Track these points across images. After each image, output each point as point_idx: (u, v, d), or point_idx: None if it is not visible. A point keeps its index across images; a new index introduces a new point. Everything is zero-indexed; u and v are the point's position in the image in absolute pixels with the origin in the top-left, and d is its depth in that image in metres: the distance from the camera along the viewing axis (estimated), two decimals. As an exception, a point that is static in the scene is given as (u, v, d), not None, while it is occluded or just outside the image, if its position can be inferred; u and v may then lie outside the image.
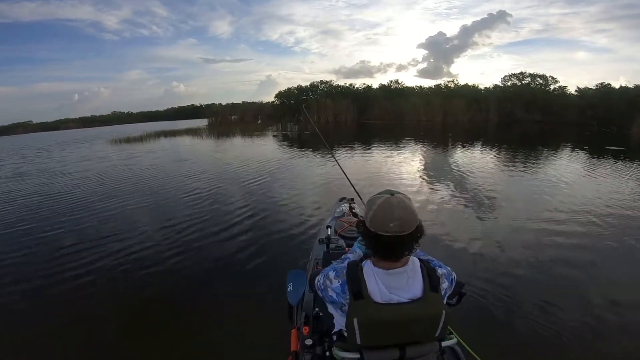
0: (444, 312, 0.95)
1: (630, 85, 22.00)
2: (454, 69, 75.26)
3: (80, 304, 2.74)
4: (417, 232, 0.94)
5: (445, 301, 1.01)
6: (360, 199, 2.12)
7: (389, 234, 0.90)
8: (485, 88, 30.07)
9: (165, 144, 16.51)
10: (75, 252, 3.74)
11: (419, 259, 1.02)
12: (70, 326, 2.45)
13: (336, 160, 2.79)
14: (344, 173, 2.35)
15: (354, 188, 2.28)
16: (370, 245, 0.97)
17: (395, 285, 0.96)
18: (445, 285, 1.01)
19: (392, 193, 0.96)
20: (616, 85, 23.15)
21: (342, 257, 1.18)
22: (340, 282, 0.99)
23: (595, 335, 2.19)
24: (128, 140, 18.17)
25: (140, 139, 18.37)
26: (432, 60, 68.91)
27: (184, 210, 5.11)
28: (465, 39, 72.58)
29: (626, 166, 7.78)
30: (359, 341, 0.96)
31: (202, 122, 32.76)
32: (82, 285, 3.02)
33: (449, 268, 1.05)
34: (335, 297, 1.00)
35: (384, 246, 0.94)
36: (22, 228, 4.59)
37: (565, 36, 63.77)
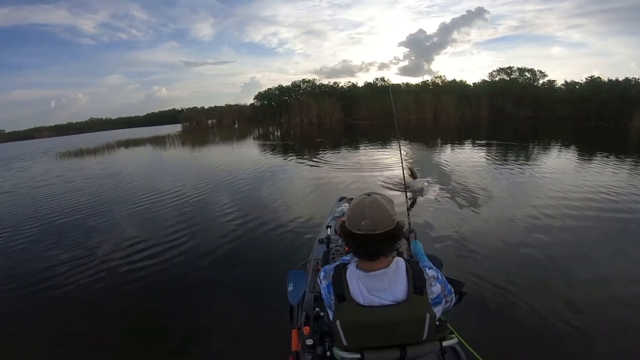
0: (428, 315, 0.93)
1: (621, 79, 21.61)
2: (435, 66, 75.21)
3: (76, 315, 2.67)
4: (394, 232, 0.95)
5: (442, 305, 1.01)
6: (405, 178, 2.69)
7: (361, 232, 0.94)
8: (474, 84, 29.09)
9: (123, 158, 14.23)
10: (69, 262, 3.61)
11: (407, 261, 1.00)
12: (64, 340, 2.37)
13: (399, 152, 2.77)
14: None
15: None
16: (348, 244, 1.00)
17: (375, 287, 0.96)
18: (435, 288, 0.99)
19: (369, 194, 1.00)
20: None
21: (341, 258, 1.18)
22: (327, 283, 1.03)
23: (597, 331, 2.13)
24: (80, 153, 15.50)
25: (95, 151, 15.71)
26: (413, 57, 67.77)
27: (179, 215, 5.01)
28: (444, 36, 72.42)
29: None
30: (344, 342, 0.97)
31: (176, 128, 30.33)
32: (78, 297, 2.94)
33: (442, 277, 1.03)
34: (325, 296, 1.04)
35: (357, 244, 0.96)
36: None
37: (540, 32, 64.67)
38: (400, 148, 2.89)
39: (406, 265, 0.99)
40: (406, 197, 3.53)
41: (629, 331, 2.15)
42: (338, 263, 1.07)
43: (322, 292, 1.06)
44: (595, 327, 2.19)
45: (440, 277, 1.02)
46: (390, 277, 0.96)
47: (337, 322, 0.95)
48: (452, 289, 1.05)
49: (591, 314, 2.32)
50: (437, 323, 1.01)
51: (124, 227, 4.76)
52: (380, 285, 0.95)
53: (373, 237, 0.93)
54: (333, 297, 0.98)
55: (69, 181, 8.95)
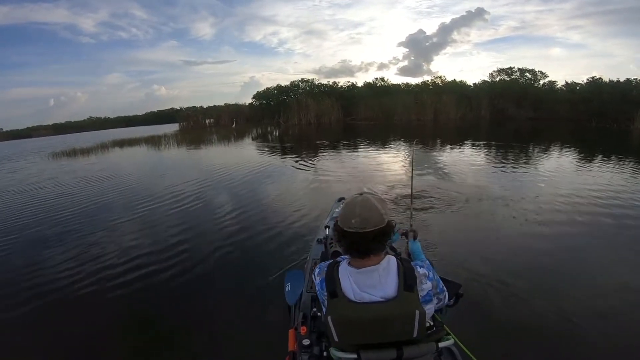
0: (417, 312, 0.93)
1: (621, 80, 21.45)
2: (434, 66, 75.31)
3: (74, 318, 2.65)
4: (385, 230, 0.96)
5: (434, 303, 1.01)
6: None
7: (352, 230, 0.95)
8: (474, 84, 28.88)
9: (118, 158, 13.93)
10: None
11: (398, 259, 1.00)
12: (63, 342, 2.38)
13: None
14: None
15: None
16: (340, 241, 1.01)
17: (366, 283, 0.97)
18: (426, 285, 0.99)
19: (361, 193, 1.02)
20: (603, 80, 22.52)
21: (340, 257, 1.15)
22: (320, 279, 1.04)
23: (595, 333, 2.13)
24: (74, 153, 15.20)
25: (88, 152, 15.40)
26: (412, 58, 67.65)
27: (176, 216, 5.02)
28: (444, 36, 72.39)
29: None
30: (336, 339, 0.98)
31: (174, 127, 30.13)
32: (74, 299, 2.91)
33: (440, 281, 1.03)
34: (319, 292, 1.05)
35: (348, 242, 0.97)
36: None
37: (540, 33, 64.81)
38: (413, 152, 3.32)
39: (397, 263, 0.99)
40: (411, 199, 3.42)
41: (627, 333, 2.14)
42: (332, 260, 1.07)
43: (316, 288, 1.07)
44: (593, 329, 2.17)
45: (431, 275, 1.01)
46: (381, 273, 0.96)
47: (329, 317, 0.96)
48: (445, 288, 1.05)
49: (589, 316, 2.30)
50: (432, 322, 1.03)
51: (121, 230, 4.66)
52: (370, 282, 0.96)
53: (363, 235, 0.94)
54: (325, 294, 1.00)
55: (63, 184, 8.71)
